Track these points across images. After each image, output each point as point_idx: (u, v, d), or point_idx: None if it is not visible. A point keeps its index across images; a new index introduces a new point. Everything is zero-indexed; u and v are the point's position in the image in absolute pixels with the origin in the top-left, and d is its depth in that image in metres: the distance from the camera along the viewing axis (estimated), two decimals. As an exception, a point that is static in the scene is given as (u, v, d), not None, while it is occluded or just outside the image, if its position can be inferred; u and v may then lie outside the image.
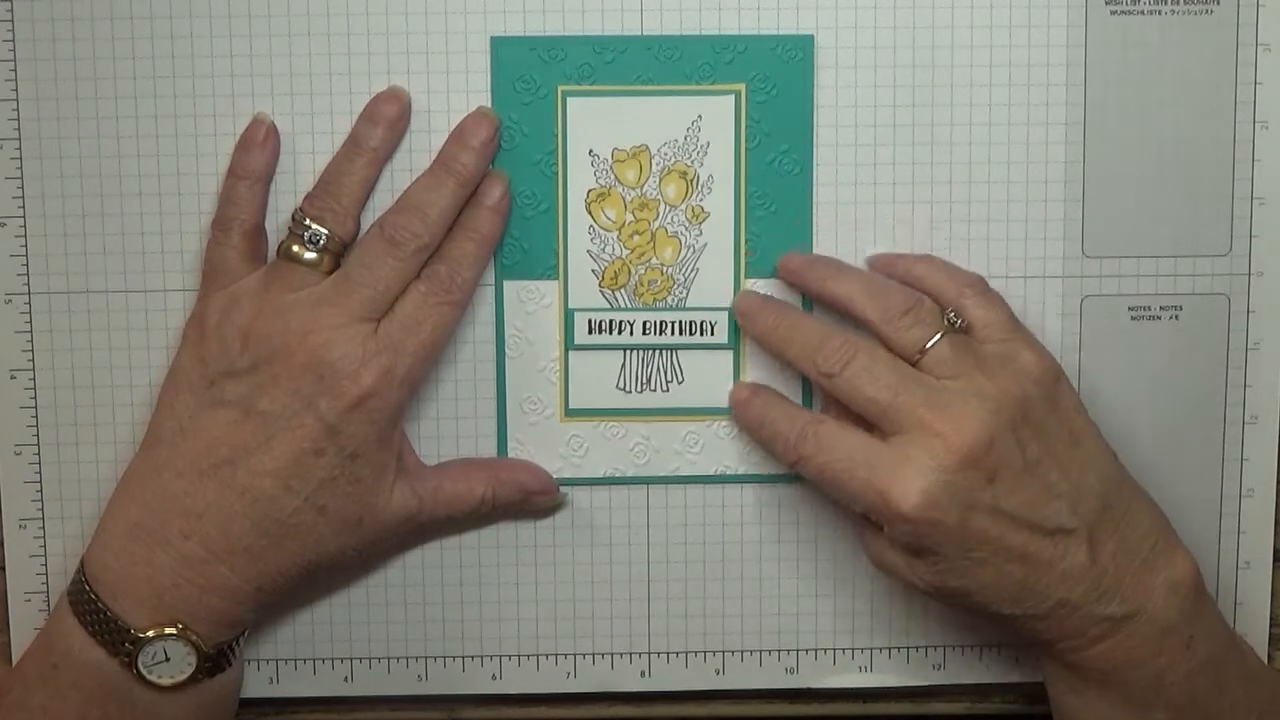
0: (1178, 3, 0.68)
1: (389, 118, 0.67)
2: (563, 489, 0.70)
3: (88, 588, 0.65)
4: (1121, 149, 0.69)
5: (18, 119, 0.68)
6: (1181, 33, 0.69)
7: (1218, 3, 0.68)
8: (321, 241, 0.66)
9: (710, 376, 0.70)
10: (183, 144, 0.68)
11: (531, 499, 0.70)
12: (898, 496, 0.62)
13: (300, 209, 0.67)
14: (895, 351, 0.64)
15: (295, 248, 0.66)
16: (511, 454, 0.70)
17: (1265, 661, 0.72)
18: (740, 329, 0.69)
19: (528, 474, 0.70)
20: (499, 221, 0.67)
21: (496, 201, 0.67)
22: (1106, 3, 0.68)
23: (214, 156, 0.68)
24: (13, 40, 0.68)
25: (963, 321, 0.65)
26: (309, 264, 0.65)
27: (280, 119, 0.68)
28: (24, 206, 0.69)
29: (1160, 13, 0.68)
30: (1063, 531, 0.63)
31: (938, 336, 0.64)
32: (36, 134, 0.68)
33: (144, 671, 0.64)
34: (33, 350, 0.70)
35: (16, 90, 0.68)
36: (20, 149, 0.68)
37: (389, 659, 0.72)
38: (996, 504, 0.62)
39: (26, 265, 0.69)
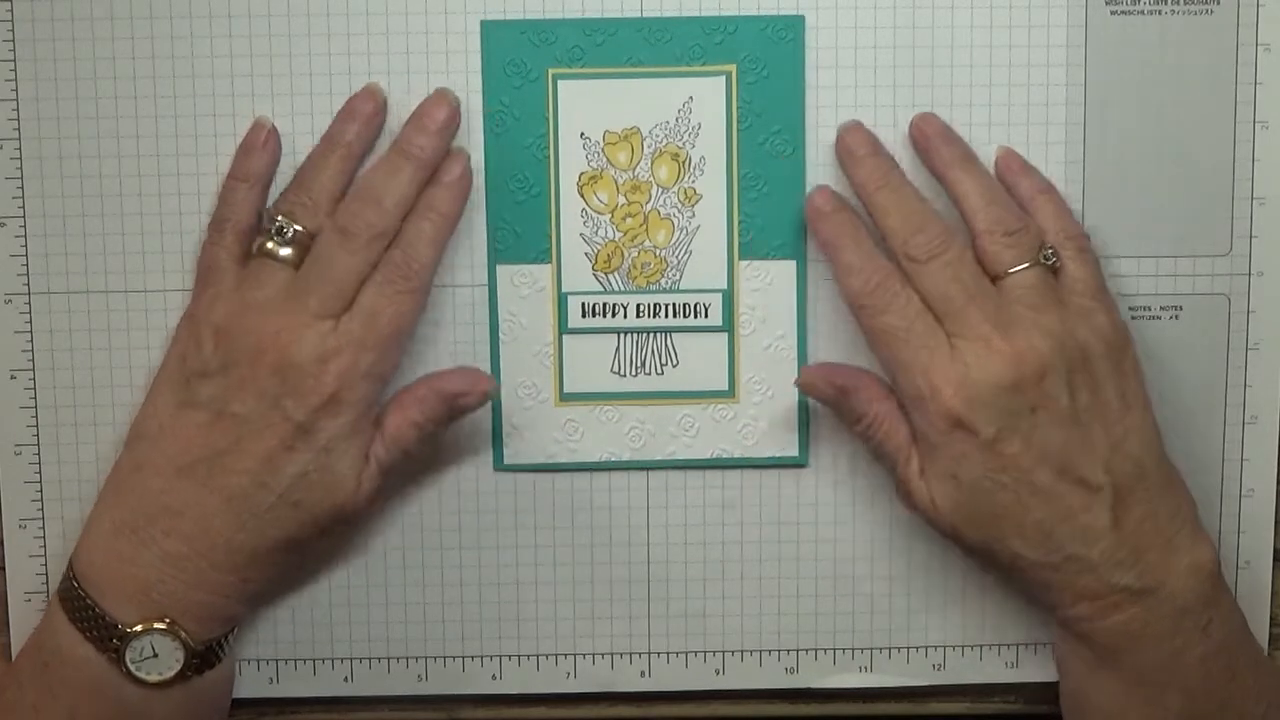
0: (1178, 3, 0.68)
1: (364, 114, 0.67)
2: (556, 470, 0.71)
3: (76, 584, 0.65)
4: (1121, 149, 0.69)
5: (18, 119, 0.68)
6: (1181, 33, 0.68)
7: (1218, 3, 0.68)
8: (291, 235, 0.65)
9: (705, 359, 0.70)
10: (183, 144, 0.68)
11: (459, 401, 0.67)
12: (944, 388, 0.63)
13: (274, 205, 0.66)
14: (983, 262, 0.65)
15: (269, 244, 0.65)
16: (507, 439, 0.70)
17: (1265, 661, 0.72)
18: (841, 161, 0.67)
19: (451, 379, 0.68)
20: (458, 199, 0.67)
21: (456, 178, 0.66)
22: (1106, 3, 0.68)
23: (214, 157, 0.68)
24: (13, 40, 0.68)
25: (1057, 264, 0.66)
26: (282, 260, 0.65)
27: (280, 120, 0.68)
28: (24, 206, 0.69)
29: (1160, 13, 0.68)
30: (1089, 485, 0.63)
31: (1027, 264, 0.65)
32: (36, 134, 0.68)
33: (132, 668, 0.64)
34: (33, 350, 0.70)
35: (16, 90, 0.68)
36: (20, 149, 0.68)
37: (389, 659, 0.72)
38: (1032, 434, 0.63)
39: (26, 265, 0.69)
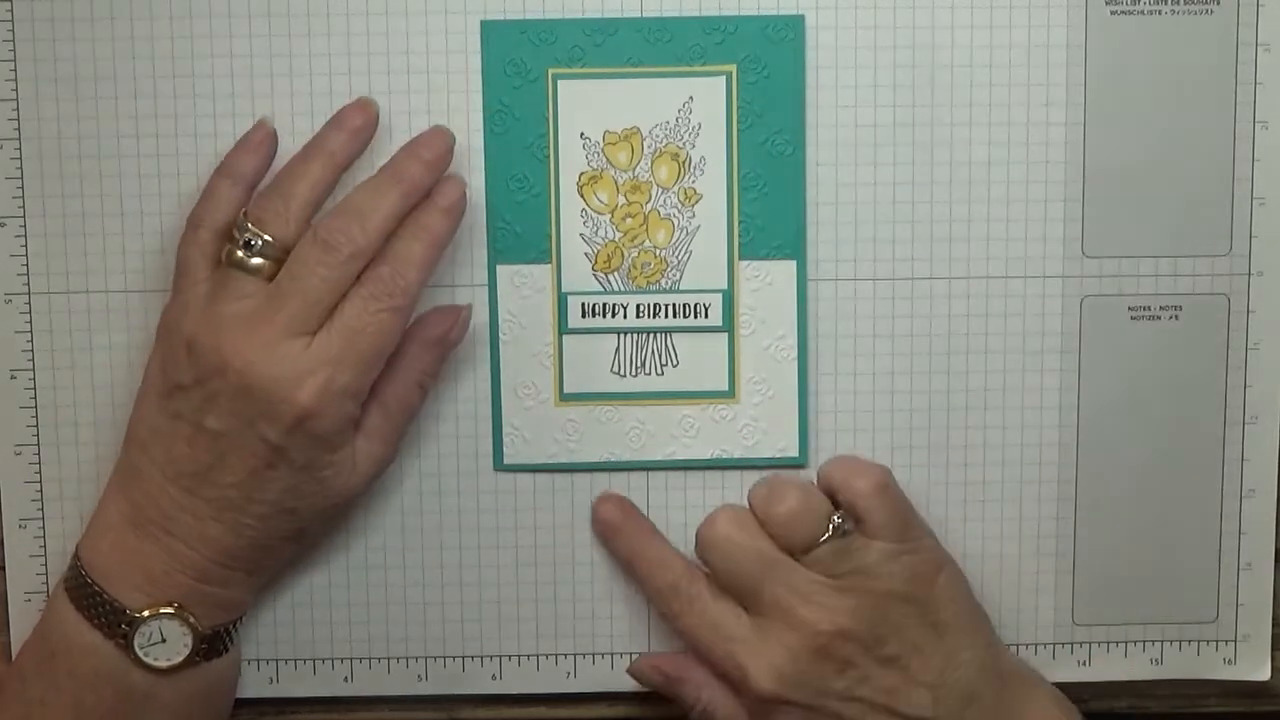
0: (1178, 3, 0.68)
1: (353, 126, 0.66)
2: (558, 475, 0.71)
3: (83, 573, 0.65)
4: (1121, 149, 0.69)
5: (18, 119, 0.68)
6: (1181, 33, 0.68)
7: (1218, 3, 0.68)
8: (260, 245, 0.63)
9: (705, 359, 0.70)
10: (183, 144, 0.68)
11: (449, 339, 0.67)
12: (755, 675, 0.65)
13: (248, 208, 0.65)
14: (784, 548, 0.66)
15: (239, 253, 0.63)
16: (507, 439, 0.70)
17: (1268, 661, 0.72)
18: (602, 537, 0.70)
19: (432, 324, 0.67)
20: (451, 224, 0.65)
21: (452, 203, 0.65)
22: (1106, 3, 0.68)
23: (213, 157, 0.68)
24: (13, 40, 0.68)
25: (855, 523, 0.66)
26: (253, 270, 0.63)
27: (280, 120, 0.68)
28: (24, 206, 0.69)
29: (1160, 13, 0.68)
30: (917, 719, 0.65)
31: (823, 539, 0.65)
32: (36, 134, 0.68)
33: (140, 653, 0.64)
34: (33, 350, 0.70)
35: (16, 90, 0.68)
36: (20, 149, 0.69)
37: (389, 659, 0.72)
38: (850, 692, 0.65)
39: (26, 265, 0.69)
